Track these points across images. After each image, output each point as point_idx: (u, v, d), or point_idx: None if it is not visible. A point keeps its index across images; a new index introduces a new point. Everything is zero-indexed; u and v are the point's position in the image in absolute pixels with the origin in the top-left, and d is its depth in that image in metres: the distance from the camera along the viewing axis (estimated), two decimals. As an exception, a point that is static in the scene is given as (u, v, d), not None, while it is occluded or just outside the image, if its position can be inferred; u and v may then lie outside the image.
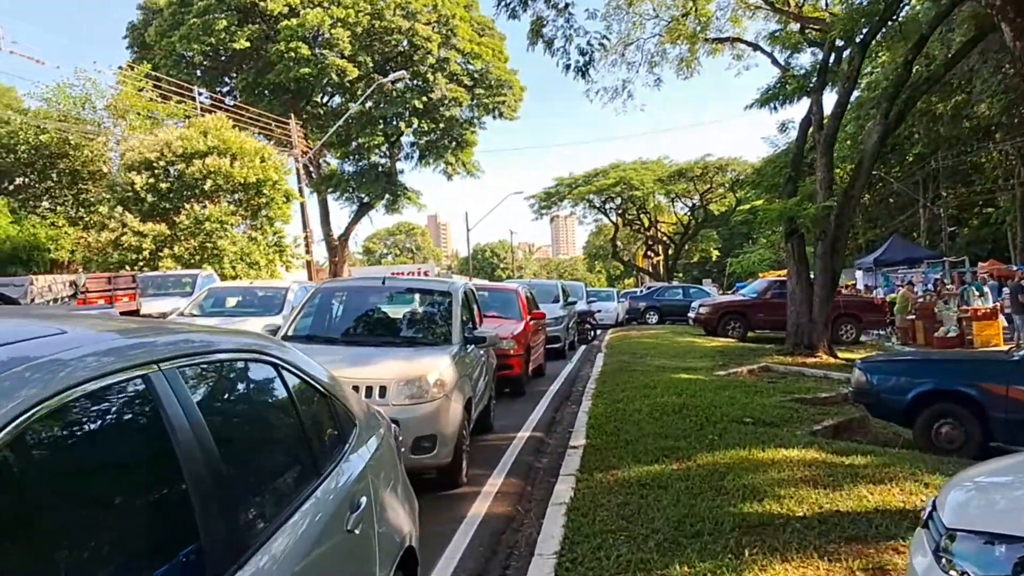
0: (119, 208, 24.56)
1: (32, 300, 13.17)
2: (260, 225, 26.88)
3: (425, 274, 48.67)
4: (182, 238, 24.62)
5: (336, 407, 3.13)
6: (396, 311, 8.85)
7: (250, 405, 2.76)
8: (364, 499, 2.90)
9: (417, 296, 9.22)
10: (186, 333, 2.41)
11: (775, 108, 20.74)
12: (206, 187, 24.65)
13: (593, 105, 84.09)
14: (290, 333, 8.18)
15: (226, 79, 42.84)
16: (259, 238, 26.21)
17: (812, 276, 18.38)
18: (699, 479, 6.81)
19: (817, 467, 7.15)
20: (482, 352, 8.97)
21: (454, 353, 7.74)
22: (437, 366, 7.26)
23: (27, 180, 30.40)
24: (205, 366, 2.30)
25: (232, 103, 40.57)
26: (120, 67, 34.96)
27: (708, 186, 58.76)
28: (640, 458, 7.84)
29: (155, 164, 24.69)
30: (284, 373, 2.74)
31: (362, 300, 9.03)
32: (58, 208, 30.05)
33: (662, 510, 5.99)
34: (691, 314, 27.11)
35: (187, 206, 24.39)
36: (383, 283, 9.12)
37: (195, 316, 13.82)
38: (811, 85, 19.17)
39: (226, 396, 2.60)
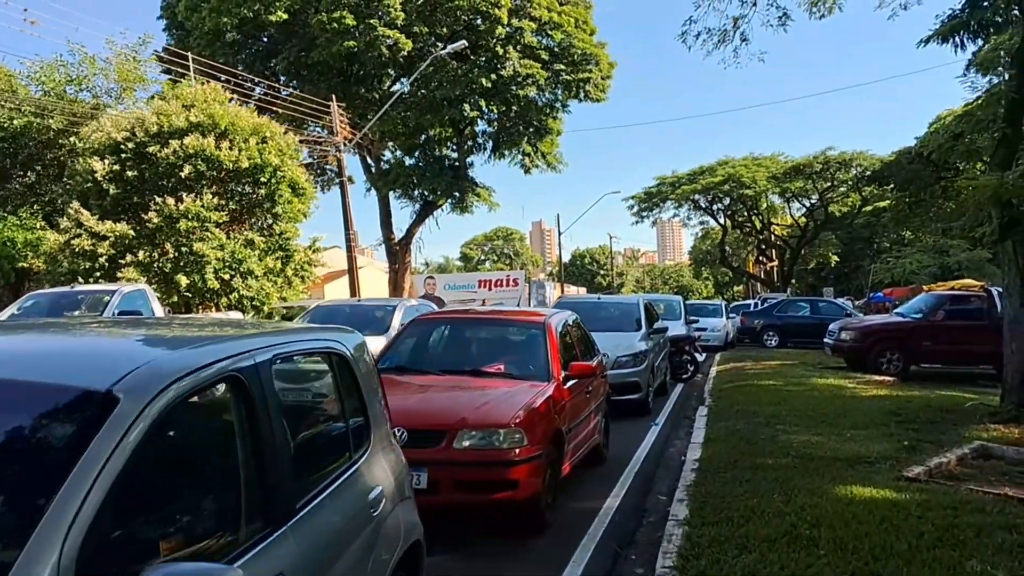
0: (75, 204, 19.15)
1: None
2: (261, 225, 20.96)
3: (514, 282, 42.48)
4: (156, 240, 19.02)
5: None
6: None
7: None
8: None
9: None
10: None
11: (962, 43, 13.70)
12: (184, 174, 18.91)
13: (694, 56, 74.84)
14: None
15: (275, 64, 37.32)
16: (257, 241, 20.24)
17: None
18: None
19: None
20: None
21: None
22: None
23: (6, 174, 25.43)
24: None
25: (288, 93, 35.37)
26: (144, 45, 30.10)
27: (829, 184, 52.30)
28: None
29: (123, 147, 19.18)
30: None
31: None
32: (35, 207, 24.94)
33: None
34: (828, 340, 19.97)
35: (158, 199, 18.73)
36: None
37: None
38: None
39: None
